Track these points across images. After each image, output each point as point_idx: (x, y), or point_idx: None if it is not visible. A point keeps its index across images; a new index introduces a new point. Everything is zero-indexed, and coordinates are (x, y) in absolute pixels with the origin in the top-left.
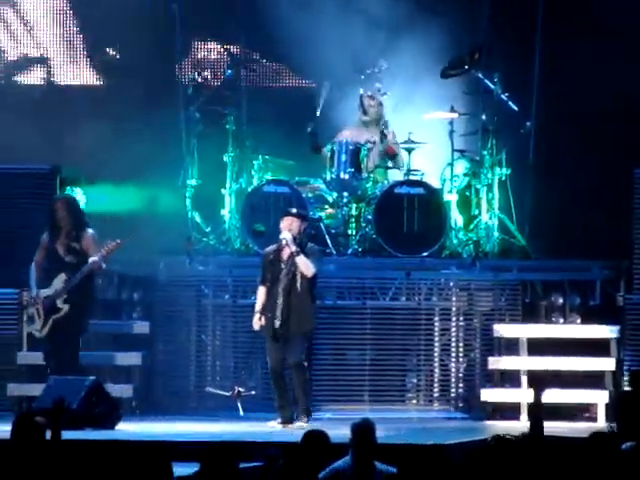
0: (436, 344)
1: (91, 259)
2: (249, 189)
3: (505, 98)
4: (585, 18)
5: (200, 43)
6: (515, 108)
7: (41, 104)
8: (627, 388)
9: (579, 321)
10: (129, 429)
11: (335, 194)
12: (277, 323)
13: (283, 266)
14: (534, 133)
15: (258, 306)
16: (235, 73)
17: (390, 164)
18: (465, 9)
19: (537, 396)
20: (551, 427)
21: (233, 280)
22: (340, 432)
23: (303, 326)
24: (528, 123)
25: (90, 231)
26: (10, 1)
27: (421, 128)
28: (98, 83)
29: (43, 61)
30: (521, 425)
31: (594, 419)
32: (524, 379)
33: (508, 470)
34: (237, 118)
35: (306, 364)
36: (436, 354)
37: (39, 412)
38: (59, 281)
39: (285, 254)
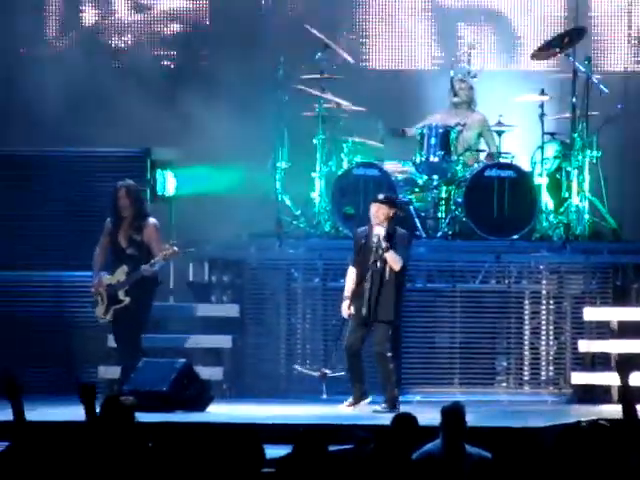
0: (526, 327)
1: (143, 267)
2: (339, 172)
3: (596, 80)
4: None
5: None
6: (606, 90)
7: (138, 85)
8: None
9: None
10: (220, 411)
11: (425, 177)
12: (364, 311)
13: (373, 251)
14: (625, 115)
15: (347, 291)
16: (325, 56)
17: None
18: None
19: (624, 380)
20: None
21: (323, 263)
22: (430, 415)
23: (388, 315)
24: (619, 105)
25: (152, 221)
26: None
27: (512, 110)
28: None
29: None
30: (612, 408)
31: None
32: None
33: (602, 455)
34: (327, 101)
35: (390, 354)
36: (526, 337)
37: (128, 394)
38: (121, 272)
39: (374, 239)
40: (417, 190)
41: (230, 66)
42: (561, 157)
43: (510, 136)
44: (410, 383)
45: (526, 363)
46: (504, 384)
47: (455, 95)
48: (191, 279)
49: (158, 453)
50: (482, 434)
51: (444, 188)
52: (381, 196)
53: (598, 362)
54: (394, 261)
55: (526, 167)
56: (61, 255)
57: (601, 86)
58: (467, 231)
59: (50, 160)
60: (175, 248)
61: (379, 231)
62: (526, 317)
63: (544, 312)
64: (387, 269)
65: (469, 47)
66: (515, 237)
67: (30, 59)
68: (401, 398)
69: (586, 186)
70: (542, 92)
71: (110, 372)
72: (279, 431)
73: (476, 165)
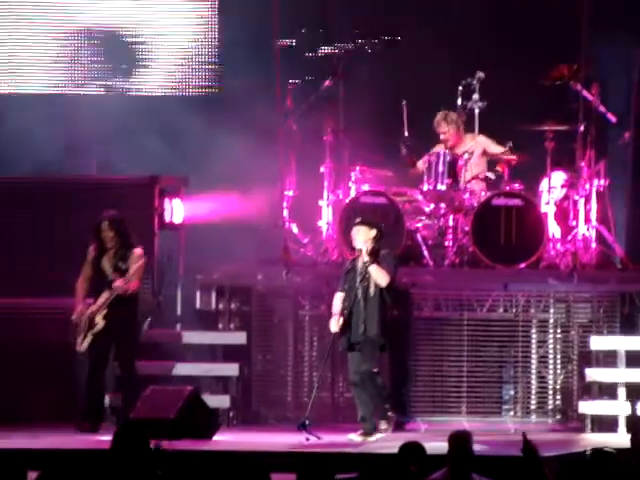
0: (533, 356)
1: (115, 285)
2: (346, 200)
3: (603, 109)
4: None
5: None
6: (613, 119)
7: (145, 112)
8: None
9: None
10: (227, 439)
11: (432, 205)
12: (353, 332)
13: (358, 276)
14: (632, 144)
15: (335, 309)
16: (333, 83)
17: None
18: (563, 21)
19: (634, 410)
20: None
21: (330, 291)
22: (437, 443)
23: (372, 330)
24: (626, 134)
25: (138, 251)
26: None
27: (518, 139)
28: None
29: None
30: (619, 438)
31: None
32: (622, 391)
33: None
34: (334, 129)
35: (376, 370)
36: (533, 366)
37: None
38: (102, 298)
39: (359, 264)
40: (424, 218)
41: (238, 93)
42: (568, 186)
43: (517, 164)
44: (417, 411)
45: (533, 392)
46: (511, 412)
47: (443, 133)
48: (198, 306)
49: None
50: (489, 462)
51: (451, 216)
52: (358, 219)
53: (605, 391)
54: (379, 275)
55: (533, 196)
56: (69, 282)
57: (608, 114)
58: (474, 260)
59: (55, 187)
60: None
61: (360, 246)
62: (533, 345)
63: (551, 341)
64: (371, 287)
65: (478, 75)
66: (522, 266)
67: None
68: (407, 426)
69: (593, 215)
70: (549, 120)
71: (117, 400)
72: (286, 458)
73: (483, 194)
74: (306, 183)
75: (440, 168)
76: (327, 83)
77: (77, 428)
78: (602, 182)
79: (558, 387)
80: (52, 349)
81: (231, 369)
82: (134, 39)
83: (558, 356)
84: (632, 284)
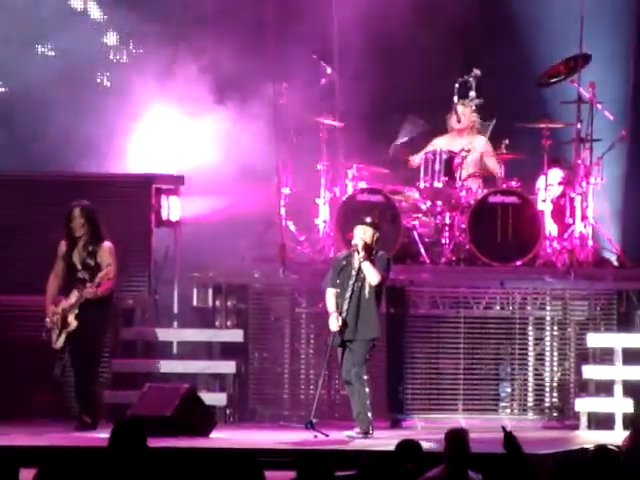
0: (530, 353)
1: (85, 290)
2: (343, 198)
3: (600, 107)
4: None
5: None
6: (610, 117)
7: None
8: None
9: None
10: (223, 437)
11: (429, 203)
12: (346, 331)
13: (354, 273)
14: (629, 142)
15: (332, 307)
16: (329, 81)
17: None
18: (560, 18)
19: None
20: None
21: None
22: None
23: (367, 334)
24: (623, 132)
25: (107, 244)
26: None
27: (515, 136)
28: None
29: None
30: (615, 435)
31: None
32: (618, 389)
33: None
34: (331, 127)
35: (366, 377)
36: (530, 363)
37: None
38: (73, 296)
39: (356, 261)
40: (421, 216)
41: (234, 92)
42: (565, 183)
43: (514, 162)
44: (414, 408)
45: (530, 389)
46: (508, 410)
47: (459, 121)
48: (195, 304)
49: (162, 478)
50: (485, 460)
51: (448, 214)
52: (368, 219)
53: (602, 388)
54: (370, 272)
55: (530, 193)
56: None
57: (605, 112)
58: (471, 257)
59: (51, 184)
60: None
61: (357, 241)
62: (530, 343)
63: (548, 338)
64: (366, 288)
65: (475, 72)
66: (519, 263)
67: None
68: (404, 423)
69: (590, 212)
70: (546, 118)
71: (118, 397)
72: (283, 456)
73: (480, 191)
74: (303, 181)
75: (437, 166)
76: (324, 81)
77: (77, 427)
78: (599, 180)
79: (555, 384)
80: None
81: (228, 367)
82: None
83: (555, 353)
84: (629, 282)
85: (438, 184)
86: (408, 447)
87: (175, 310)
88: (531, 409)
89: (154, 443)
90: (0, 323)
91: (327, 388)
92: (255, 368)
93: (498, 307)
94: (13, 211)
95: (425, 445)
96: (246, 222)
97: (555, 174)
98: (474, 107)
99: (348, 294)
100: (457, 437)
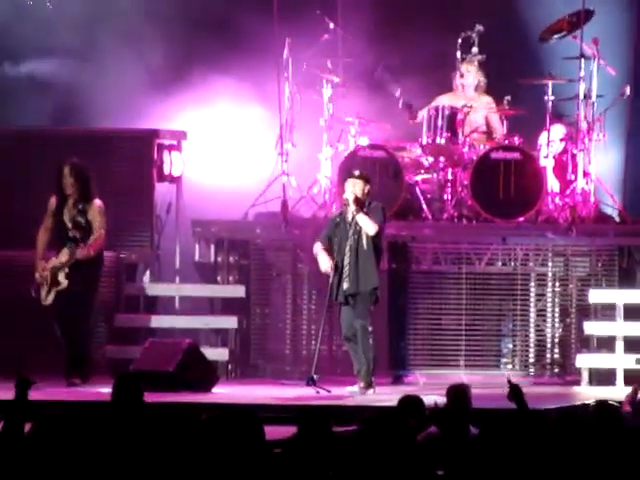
0: (532, 309)
1: (77, 250)
2: (345, 154)
3: (603, 63)
4: None
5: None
6: (613, 73)
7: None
8: None
9: None
10: (225, 392)
11: (431, 159)
12: (345, 285)
13: (349, 227)
14: (631, 98)
15: (318, 248)
16: (332, 38)
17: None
18: None
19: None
20: None
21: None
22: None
23: (368, 284)
24: (626, 87)
25: (97, 202)
26: None
27: (518, 93)
28: None
29: None
30: (617, 391)
31: None
32: (620, 344)
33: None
34: (333, 83)
35: (371, 329)
36: (532, 319)
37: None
38: (63, 254)
39: (349, 215)
40: (423, 172)
41: (236, 48)
42: (567, 140)
43: (516, 118)
44: (416, 364)
45: (531, 345)
46: (509, 366)
47: (462, 77)
48: (197, 259)
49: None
50: (486, 416)
51: (450, 170)
52: (357, 172)
53: (603, 344)
54: (366, 223)
55: (532, 149)
56: None
57: (608, 68)
58: (473, 213)
59: (52, 138)
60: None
61: (347, 195)
62: (532, 299)
63: (550, 294)
64: (364, 240)
65: (477, 28)
66: (521, 219)
67: None
68: (406, 379)
69: (592, 169)
70: (549, 74)
71: (120, 352)
72: (284, 412)
73: (482, 147)
74: (305, 136)
75: (439, 122)
76: (326, 37)
77: (67, 383)
78: (601, 136)
79: (556, 340)
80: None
81: (230, 322)
82: None
83: (556, 309)
84: (630, 237)
85: (440, 140)
86: (410, 403)
87: (177, 266)
88: (532, 365)
89: (155, 398)
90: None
91: (328, 344)
92: (257, 324)
93: (500, 263)
94: (12, 166)
95: (431, 399)
96: (248, 178)
97: (557, 130)
98: (477, 64)
99: (346, 249)
100: (459, 393)
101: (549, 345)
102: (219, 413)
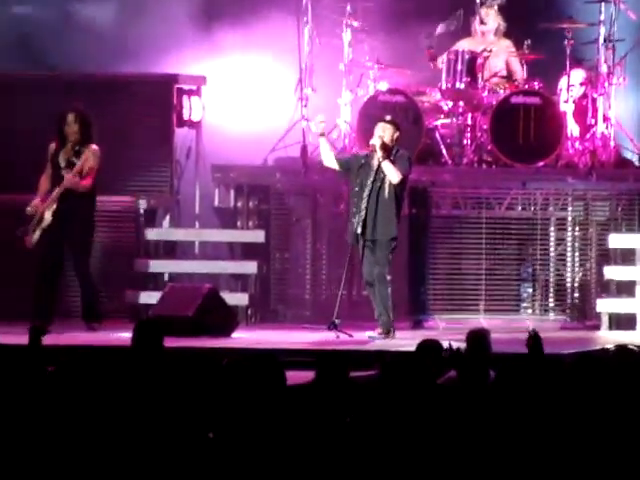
0: (551, 254)
1: (67, 176)
2: (364, 98)
3: (623, 7)
4: None
5: None
6: (633, 17)
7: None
8: None
9: None
10: (245, 337)
11: (451, 103)
12: (362, 229)
13: (372, 172)
14: None
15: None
16: None
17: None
18: None
19: None
20: None
21: (349, 189)
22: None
23: (387, 233)
24: None
25: (93, 146)
26: None
27: (538, 37)
28: None
29: None
30: (637, 335)
31: None
32: (639, 289)
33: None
34: (351, 27)
35: (389, 277)
36: (551, 264)
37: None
38: (54, 194)
39: (374, 160)
40: (443, 117)
41: None
42: (587, 84)
43: (536, 62)
44: (435, 309)
45: (551, 290)
46: (529, 310)
47: (482, 22)
48: (217, 204)
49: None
50: (506, 360)
51: (470, 115)
52: (388, 117)
53: (623, 289)
54: (391, 171)
55: (552, 94)
56: None
57: (629, 12)
58: (493, 158)
59: (72, 83)
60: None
61: (375, 141)
62: (551, 244)
63: (569, 239)
64: (386, 187)
65: None
66: (541, 164)
67: None
68: (426, 324)
69: (612, 113)
70: (569, 18)
71: (136, 297)
72: (304, 356)
73: (502, 92)
74: (325, 81)
75: (459, 66)
76: None
77: (86, 327)
78: (621, 80)
79: (576, 285)
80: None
81: (249, 267)
82: None
83: (576, 254)
84: None
85: (460, 85)
86: (429, 347)
87: (197, 211)
88: (552, 310)
89: (175, 343)
90: None
91: (348, 289)
92: (277, 269)
93: (520, 208)
94: (33, 109)
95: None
96: (268, 123)
97: (577, 75)
98: (497, 8)
99: (366, 193)
100: (478, 337)
101: (569, 290)
102: (240, 357)
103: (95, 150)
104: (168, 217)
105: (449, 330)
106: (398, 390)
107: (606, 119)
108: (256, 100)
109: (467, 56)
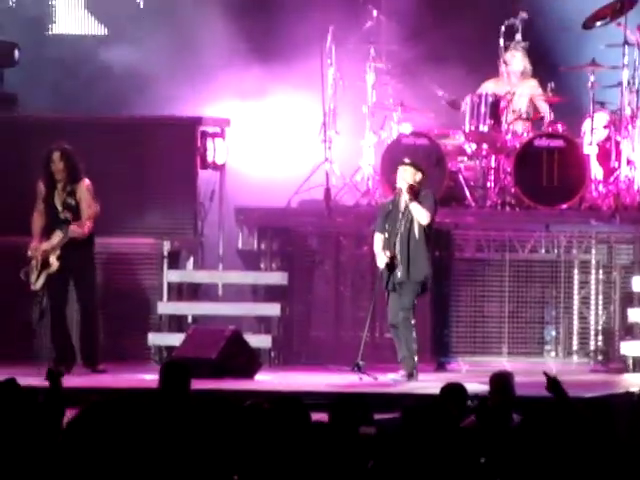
0: (575, 296)
1: (71, 228)
2: (388, 141)
3: None
4: None
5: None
6: None
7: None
8: None
9: None
10: (268, 379)
11: (474, 146)
12: (398, 274)
13: (400, 215)
14: None
15: (378, 249)
16: (376, 24)
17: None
18: None
19: None
20: None
21: (372, 231)
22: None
23: (418, 274)
24: None
25: (85, 182)
26: None
27: (561, 80)
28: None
29: None
30: None
31: None
32: None
33: None
34: (375, 70)
35: (414, 321)
36: (575, 307)
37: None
38: (55, 237)
39: (402, 204)
40: (466, 159)
41: (279, 35)
42: (611, 127)
43: (560, 105)
44: (459, 351)
45: (575, 332)
46: (553, 353)
47: (506, 64)
48: (240, 246)
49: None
50: (530, 403)
51: (493, 157)
52: (407, 160)
53: None
54: (419, 212)
55: (576, 137)
56: (109, 222)
57: None
58: (516, 200)
59: (97, 126)
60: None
61: (400, 184)
62: (575, 286)
63: (593, 281)
64: (415, 229)
65: (521, 15)
66: (564, 207)
67: None
68: (449, 366)
69: (636, 156)
70: (593, 61)
71: (159, 339)
72: (328, 399)
73: (526, 134)
74: (348, 124)
75: (482, 109)
76: (369, 23)
77: (92, 370)
78: None
79: (600, 328)
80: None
81: (273, 309)
82: None
83: (600, 297)
84: None
85: (484, 127)
86: (453, 390)
87: (220, 253)
88: (576, 352)
89: (199, 385)
90: None
91: (371, 331)
92: (299, 311)
93: (543, 250)
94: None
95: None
96: (291, 166)
97: (601, 117)
98: (523, 50)
99: (398, 237)
100: (502, 380)
101: (592, 333)
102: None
103: (88, 185)
104: (192, 259)
105: (472, 373)
106: (420, 434)
107: (629, 162)
108: (280, 142)
109: (490, 99)
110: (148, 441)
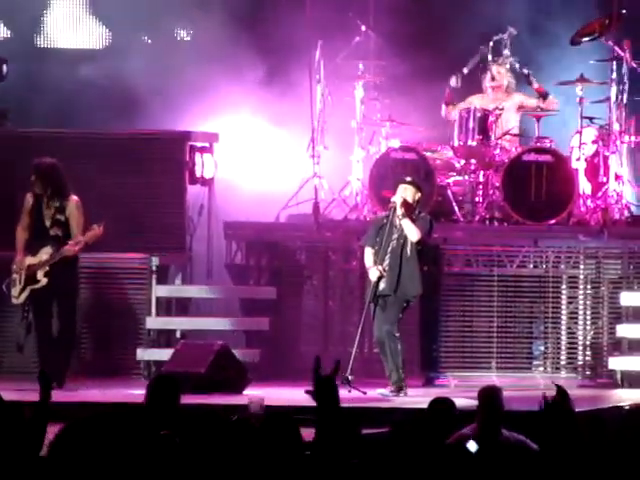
0: (563, 312)
1: (66, 247)
2: (376, 156)
3: (635, 65)
4: None
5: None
6: None
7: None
8: None
9: None
10: (257, 394)
11: (463, 161)
12: (381, 286)
13: (394, 230)
14: None
15: (369, 263)
16: (364, 40)
17: (542, 105)
18: None
19: None
20: None
21: (360, 246)
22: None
23: (406, 292)
24: None
25: (74, 199)
26: None
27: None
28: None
29: None
30: None
31: None
32: None
33: None
34: (364, 85)
35: (398, 334)
36: (563, 322)
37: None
38: (44, 253)
39: (397, 219)
40: (455, 174)
41: (268, 50)
42: (599, 142)
43: (548, 120)
44: (447, 366)
45: (563, 348)
46: (541, 368)
47: (492, 79)
48: (228, 261)
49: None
50: (518, 418)
51: (482, 172)
52: (408, 178)
53: (635, 347)
54: (411, 229)
55: (564, 152)
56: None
57: (639, 70)
58: (505, 215)
59: (84, 140)
60: (96, 227)
61: (395, 199)
62: (563, 301)
63: (581, 297)
64: (408, 245)
65: (510, 31)
66: (552, 222)
67: None
68: (437, 381)
69: (624, 171)
70: (581, 77)
71: (148, 354)
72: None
73: (514, 149)
74: (337, 139)
75: (471, 124)
76: (358, 39)
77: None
78: (632, 138)
79: (588, 343)
80: None
81: (261, 324)
82: None
83: (588, 312)
84: None
85: (472, 142)
86: (441, 405)
87: (209, 267)
88: (564, 367)
89: (188, 400)
90: None
91: (361, 346)
92: (288, 325)
93: (532, 265)
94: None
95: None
96: (280, 180)
97: (589, 133)
98: (509, 66)
99: (389, 251)
100: (490, 395)
101: (581, 348)
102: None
103: (77, 202)
104: (180, 274)
105: (461, 387)
106: (408, 449)
107: (618, 177)
108: (268, 157)
109: (479, 114)
110: (134, 457)
